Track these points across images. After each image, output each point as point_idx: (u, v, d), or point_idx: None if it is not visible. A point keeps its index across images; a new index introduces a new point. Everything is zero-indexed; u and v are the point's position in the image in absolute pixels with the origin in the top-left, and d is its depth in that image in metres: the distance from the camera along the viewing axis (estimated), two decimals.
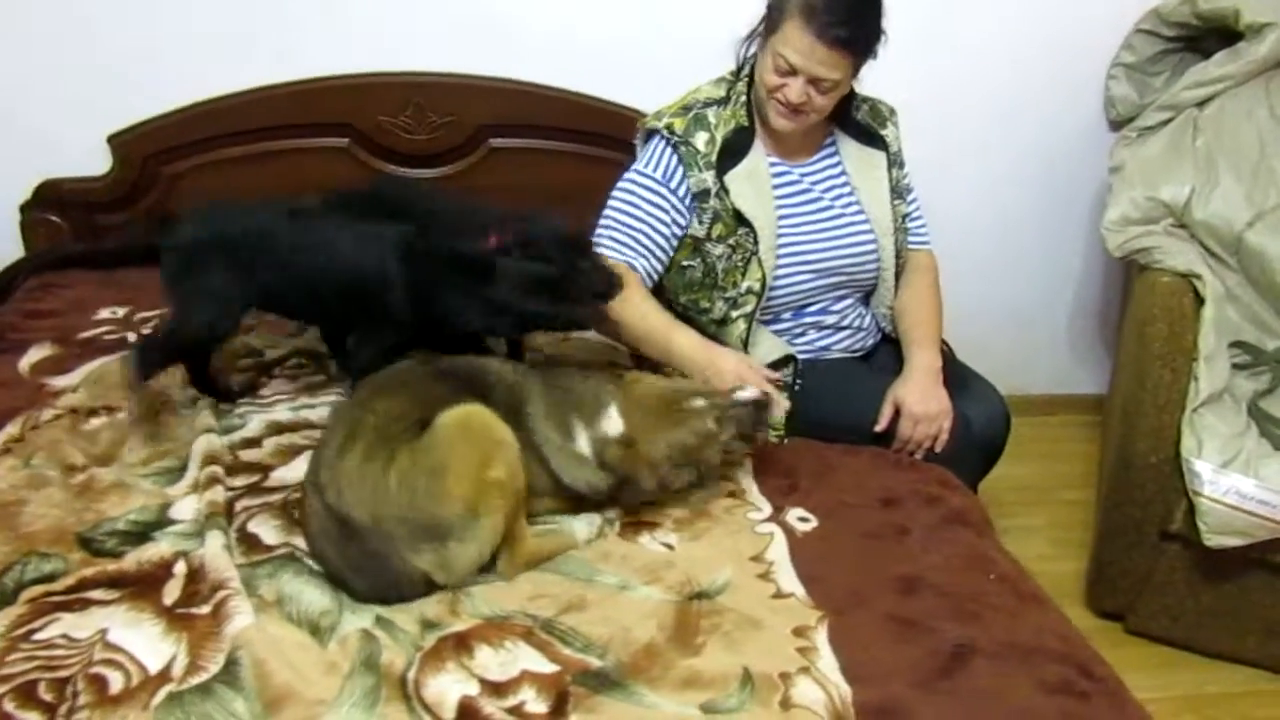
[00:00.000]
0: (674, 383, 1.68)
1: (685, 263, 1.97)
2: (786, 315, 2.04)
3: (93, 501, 1.58)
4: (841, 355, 2.08)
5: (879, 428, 1.90)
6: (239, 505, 1.59)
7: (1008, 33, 2.74)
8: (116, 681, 1.24)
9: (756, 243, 1.89)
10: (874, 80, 1.93)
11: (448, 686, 1.25)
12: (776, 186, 1.96)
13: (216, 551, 1.44)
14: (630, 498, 1.58)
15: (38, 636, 1.31)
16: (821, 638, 1.38)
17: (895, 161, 2.06)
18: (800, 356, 1.99)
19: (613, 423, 1.56)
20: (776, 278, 1.94)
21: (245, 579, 1.40)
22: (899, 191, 2.07)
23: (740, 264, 1.92)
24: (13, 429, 1.77)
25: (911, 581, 1.51)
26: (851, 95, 1.98)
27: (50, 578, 1.42)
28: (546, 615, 1.38)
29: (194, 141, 2.44)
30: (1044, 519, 2.74)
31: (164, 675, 1.26)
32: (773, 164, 1.96)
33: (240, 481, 1.65)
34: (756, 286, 1.91)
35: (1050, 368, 3.25)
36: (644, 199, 1.90)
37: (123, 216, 2.48)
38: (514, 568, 1.45)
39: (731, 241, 1.91)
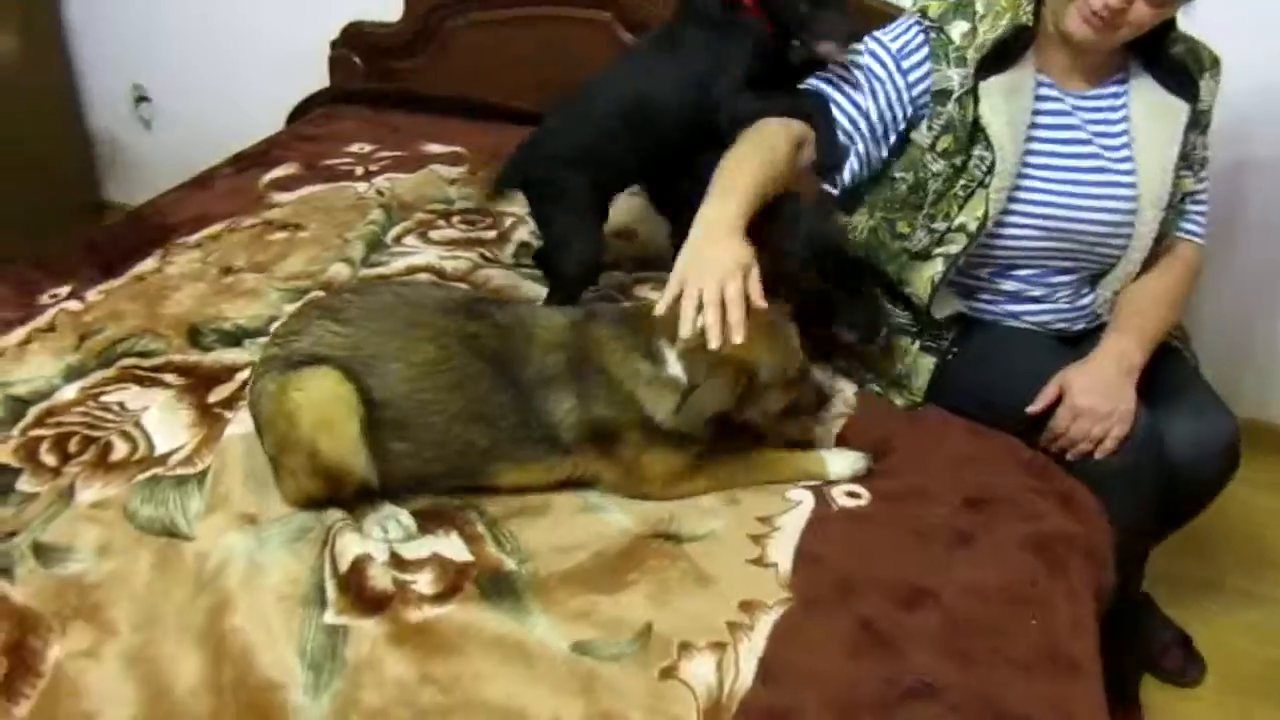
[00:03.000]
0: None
1: (897, 174, 1.64)
2: (984, 272, 1.68)
3: (224, 301, 1.76)
4: (1028, 326, 1.71)
5: (1032, 409, 1.54)
6: None
7: None
8: (120, 451, 1.39)
9: (990, 173, 1.54)
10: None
11: (356, 544, 1.25)
12: (1039, 113, 1.59)
13: None
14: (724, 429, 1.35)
15: (104, 399, 1.50)
16: (766, 621, 1.19)
17: (1199, 123, 1.61)
18: (977, 317, 1.67)
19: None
20: (1000, 224, 1.59)
21: None
22: (1191, 161, 1.62)
23: (961, 193, 1.57)
24: (215, 228, 2.02)
25: (923, 596, 1.25)
26: (1170, 24, 1.56)
27: (148, 354, 1.61)
28: (496, 513, 1.32)
29: None
30: None
31: (162, 459, 1.38)
32: (1041, 83, 1.59)
33: None
34: (973, 225, 1.56)
35: None
36: (867, 67, 1.60)
37: (408, 63, 2.67)
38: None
39: (958, 161, 1.56)
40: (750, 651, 1.15)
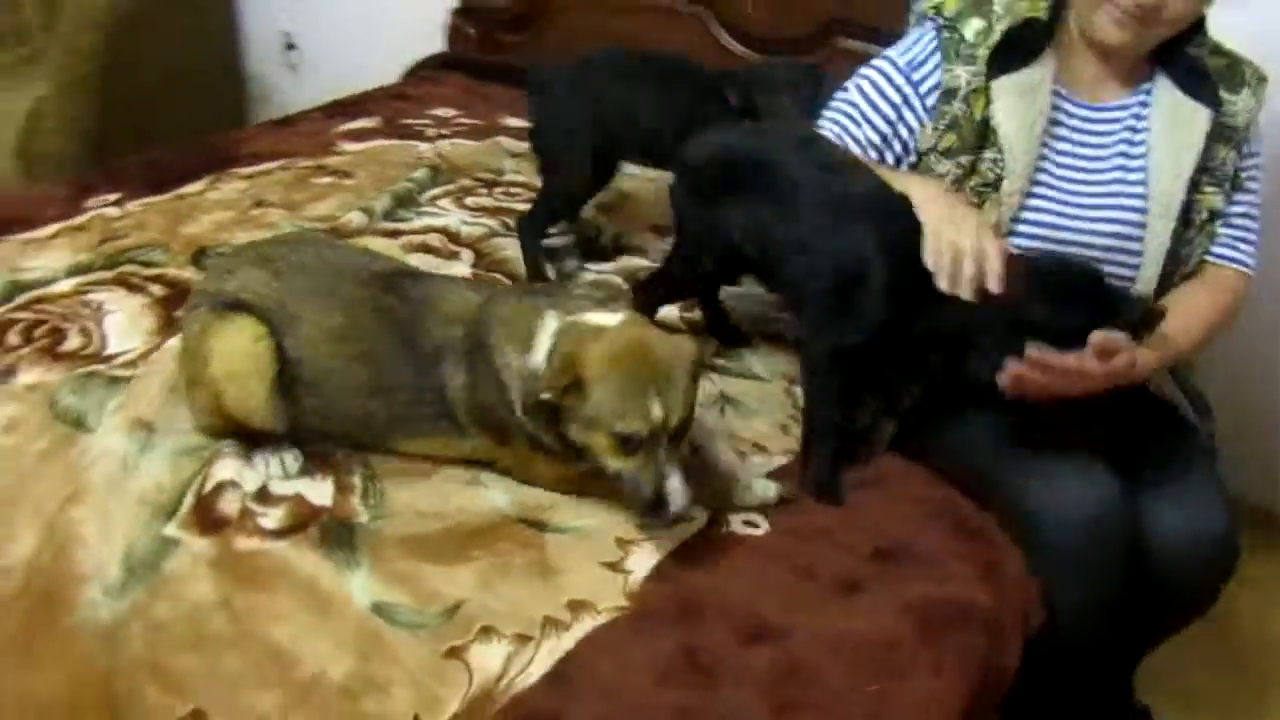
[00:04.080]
0: (683, 378, 1.19)
1: None
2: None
3: (241, 229, 1.84)
4: None
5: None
6: None
7: None
8: (72, 344, 1.48)
9: (1001, 175, 1.43)
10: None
11: (231, 470, 1.27)
12: (1057, 124, 1.46)
13: None
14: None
15: (88, 296, 1.60)
16: (587, 625, 1.14)
17: (1227, 137, 1.44)
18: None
19: (601, 319, 1.22)
20: (1010, 234, 1.44)
21: None
22: (1220, 178, 1.45)
23: (973, 198, 1.45)
24: (271, 165, 2.12)
25: (769, 635, 1.15)
26: (1197, 27, 1.43)
27: (149, 263, 1.71)
28: (380, 470, 1.31)
29: None
30: None
31: (107, 359, 1.46)
32: (1061, 94, 1.46)
33: None
34: None
35: None
36: (880, 88, 1.51)
37: (515, 38, 2.72)
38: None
39: (964, 162, 1.45)
40: (552, 651, 1.10)
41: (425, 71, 2.72)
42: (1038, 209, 1.44)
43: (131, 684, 1.01)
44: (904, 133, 1.49)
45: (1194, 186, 1.42)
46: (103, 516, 1.19)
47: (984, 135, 1.44)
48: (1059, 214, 1.44)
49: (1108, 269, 1.43)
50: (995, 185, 1.44)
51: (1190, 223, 1.44)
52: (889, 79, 1.49)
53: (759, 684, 1.09)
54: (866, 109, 1.50)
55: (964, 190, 1.45)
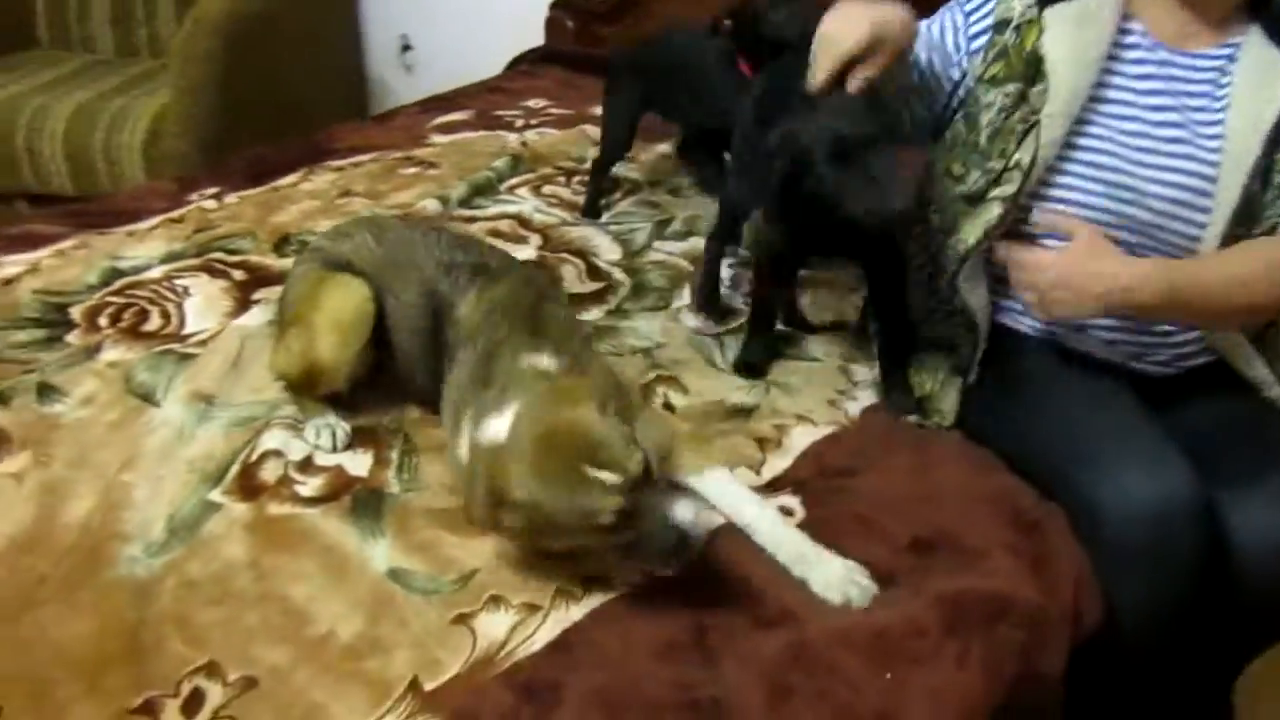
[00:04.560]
0: (608, 423, 1.07)
1: (957, 117, 1.48)
2: (1052, 241, 1.40)
3: (325, 216, 1.92)
4: (1089, 349, 1.43)
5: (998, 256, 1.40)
6: None
7: None
8: (153, 324, 1.58)
9: (1045, 102, 1.36)
10: None
11: (280, 440, 1.34)
12: (1118, 59, 1.37)
13: None
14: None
15: (176, 281, 1.70)
16: (599, 599, 1.13)
17: None
18: (1025, 334, 1.45)
19: (494, 432, 1.13)
20: (1055, 170, 1.37)
21: None
22: None
23: (1020, 126, 1.38)
24: (363, 158, 2.20)
25: (786, 619, 1.12)
26: None
27: (234, 251, 1.81)
28: (419, 444, 1.35)
29: None
30: None
31: (184, 338, 1.55)
32: (1130, 30, 1.37)
33: None
34: (1028, 158, 1.36)
35: None
36: (942, 23, 1.47)
37: (611, 30, 2.74)
38: None
39: (1011, 90, 1.38)
40: (559, 622, 1.10)
41: (524, 65, 2.77)
42: (1090, 148, 1.36)
43: (157, 635, 1.06)
44: (938, 56, 1.46)
45: (1274, 145, 1.31)
46: (154, 481, 1.26)
47: (1035, 66, 1.37)
48: (1114, 154, 1.35)
49: (1171, 223, 1.35)
50: (1038, 115, 1.36)
51: (1270, 183, 1.32)
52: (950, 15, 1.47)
53: (763, 667, 1.06)
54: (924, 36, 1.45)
55: (1011, 120, 1.38)
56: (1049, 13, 1.36)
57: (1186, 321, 1.37)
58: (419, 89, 3.34)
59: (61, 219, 1.92)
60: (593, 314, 1.66)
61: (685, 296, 1.74)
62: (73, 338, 1.55)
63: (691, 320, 1.67)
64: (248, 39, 2.70)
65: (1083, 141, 1.36)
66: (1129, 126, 1.36)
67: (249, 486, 1.26)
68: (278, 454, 1.31)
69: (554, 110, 2.46)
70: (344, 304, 1.35)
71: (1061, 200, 1.38)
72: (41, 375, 1.45)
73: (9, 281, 1.68)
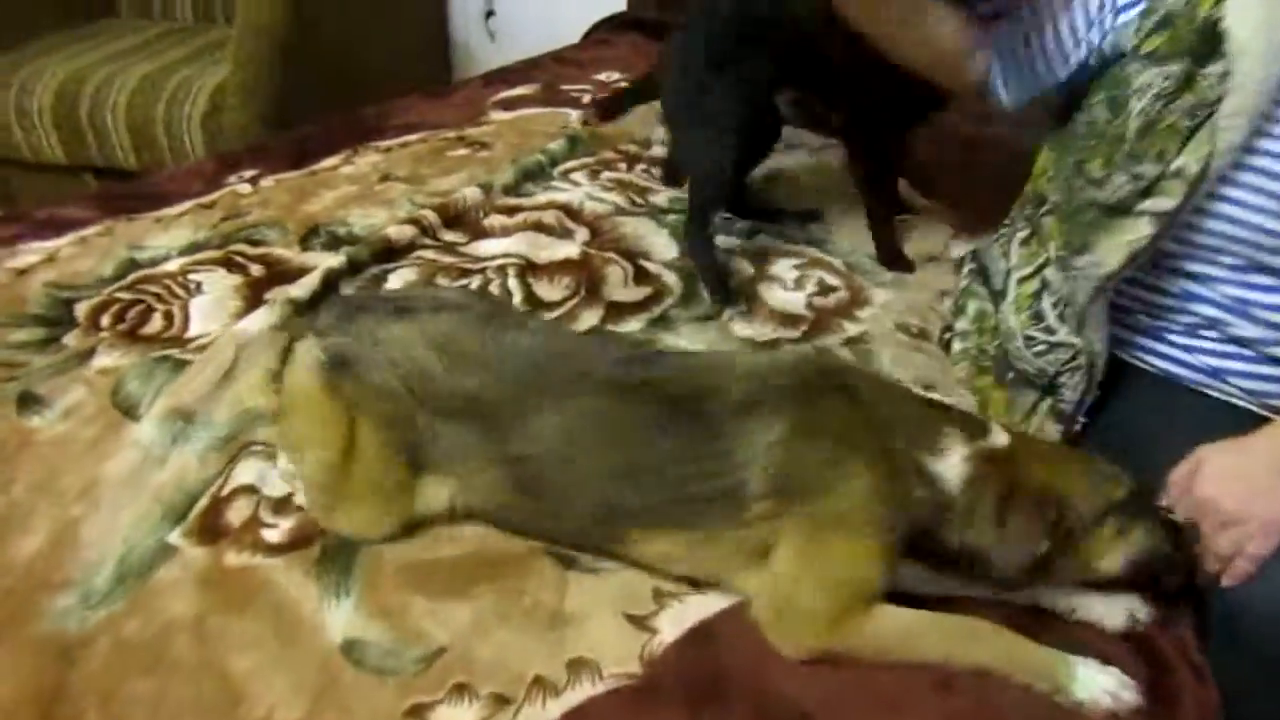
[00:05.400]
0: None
1: (1094, 98, 1.20)
2: (1197, 265, 1.17)
3: (359, 204, 1.78)
4: (1228, 398, 1.19)
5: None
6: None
7: None
8: (155, 326, 1.46)
9: (1224, 96, 1.07)
10: None
11: (254, 474, 1.19)
12: None
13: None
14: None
15: (190, 275, 1.58)
16: (575, 694, 0.95)
17: None
18: (1148, 365, 1.21)
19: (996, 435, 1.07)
20: (1228, 181, 1.09)
21: None
22: None
23: (1186, 123, 1.08)
24: (412, 137, 2.05)
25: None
26: None
27: (257, 242, 1.67)
28: None
29: None
30: None
31: (184, 341, 1.43)
32: None
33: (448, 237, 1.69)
34: (1195, 167, 1.08)
35: None
36: None
37: None
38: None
39: (1176, 70, 1.08)
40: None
41: (601, 33, 2.58)
42: (1271, 152, 1.07)
43: (75, 710, 0.94)
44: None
45: None
46: (113, 513, 1.13)
47: (1211, 44, 1.06)
48: None
49: None
50: (1214, 108, 1.07)
51: None
52: None
53: None
54: None
55: (1170, 112, 1.08)
56: None
57: None
58: (503, 57, 3.19)
59: (93, 201, 1.82)
60: (629, 325, 1.47)
61: (741, 304, 1.54)
62: (70, 339, 1.44)
63: (743, 328, 1.48)
64: (318, 6, 2.57)
65: (1262, 144, 1.08)
66: None
67: (212, 528, 1.12)
68: (251, 490, 1.17)
69: (625, 85, 2.25)
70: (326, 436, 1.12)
71: (1223, 217, 1.11)
72: (26, 383, 1.34)
73: (23, 272, 1.59)
